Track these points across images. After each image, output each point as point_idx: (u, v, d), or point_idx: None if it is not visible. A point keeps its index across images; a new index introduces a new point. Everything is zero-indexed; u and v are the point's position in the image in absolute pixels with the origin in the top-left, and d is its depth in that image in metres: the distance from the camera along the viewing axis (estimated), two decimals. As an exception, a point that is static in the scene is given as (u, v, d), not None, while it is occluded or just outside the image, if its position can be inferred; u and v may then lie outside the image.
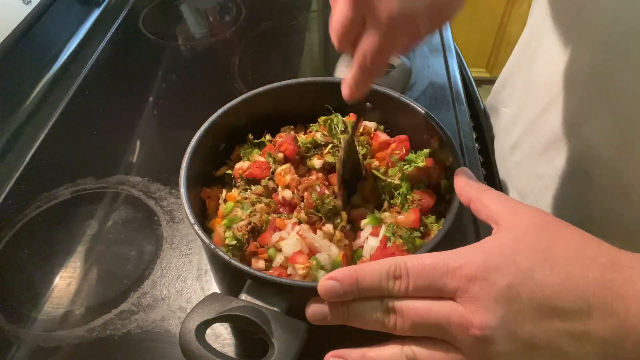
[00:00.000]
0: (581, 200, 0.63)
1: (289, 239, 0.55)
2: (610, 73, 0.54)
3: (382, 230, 0.57)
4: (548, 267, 0.35)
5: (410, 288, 0.38)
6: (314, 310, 0.41)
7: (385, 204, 0.61)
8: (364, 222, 0.59)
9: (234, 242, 0.55)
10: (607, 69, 0.54)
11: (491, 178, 0.85)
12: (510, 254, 0.36)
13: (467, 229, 0.73)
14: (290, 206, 0.60)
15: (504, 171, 0.84)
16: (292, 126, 0.70)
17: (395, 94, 0.65)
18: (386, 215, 0.59)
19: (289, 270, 0.54)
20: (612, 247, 0.36)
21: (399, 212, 0.59)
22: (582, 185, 0.62)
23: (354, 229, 0.60)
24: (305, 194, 0.59)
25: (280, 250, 0.55)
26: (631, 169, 0.55)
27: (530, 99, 0.74)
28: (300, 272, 0.52)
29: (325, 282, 0.39)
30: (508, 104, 0.85)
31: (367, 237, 0.58)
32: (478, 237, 0.71)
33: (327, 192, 0.59)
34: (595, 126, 0.58)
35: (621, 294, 0.33)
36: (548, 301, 0.34)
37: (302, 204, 0.59)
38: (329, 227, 0.58)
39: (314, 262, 0.53)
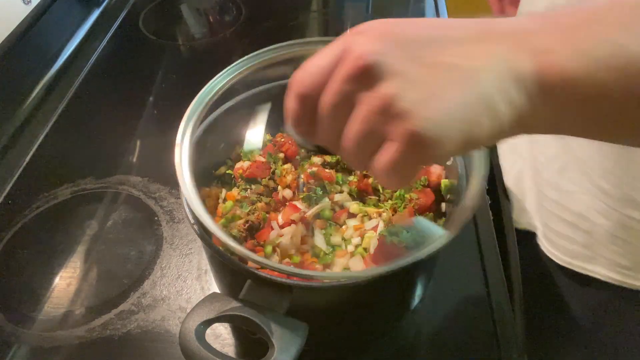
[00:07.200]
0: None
1: (288, 229, 0.56)
2: None
3: (380, 227, 0.58)
4: (424, 21, 0.35)
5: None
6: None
7: (381, 201, 0.61)
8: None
9: None
10: None
11: (491, 178, 0.85)
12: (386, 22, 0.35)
13: (467, 228, 0.73)
14: (290, 205, 0.61)
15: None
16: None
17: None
18: (385, 215, 0.59)
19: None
20: None
21: (395, 211, 0.59)
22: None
23: None
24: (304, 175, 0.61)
25: (275, 250, 0.56)
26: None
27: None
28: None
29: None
30: None
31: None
32: (478, 237, 0.71)
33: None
34: None
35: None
36: (431, 34, 0.33)
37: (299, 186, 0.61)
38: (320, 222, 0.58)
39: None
